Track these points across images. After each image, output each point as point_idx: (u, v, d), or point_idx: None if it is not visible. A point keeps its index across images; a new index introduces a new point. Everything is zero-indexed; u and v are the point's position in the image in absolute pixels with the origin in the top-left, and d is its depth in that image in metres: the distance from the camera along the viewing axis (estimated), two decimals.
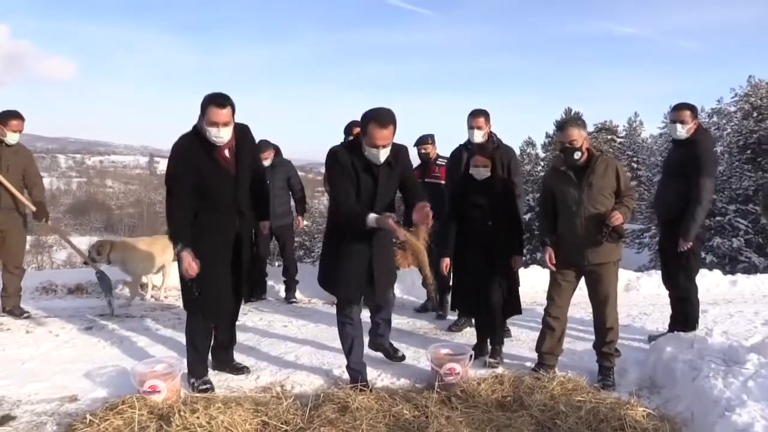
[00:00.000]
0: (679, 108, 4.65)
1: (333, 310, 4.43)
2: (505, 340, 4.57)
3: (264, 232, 3.86)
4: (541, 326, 4.17)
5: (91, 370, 4.09)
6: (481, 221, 4.29)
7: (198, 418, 3.00)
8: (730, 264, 20.84)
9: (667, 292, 4.94)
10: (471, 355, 4.00)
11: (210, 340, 3.96)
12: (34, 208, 5.39)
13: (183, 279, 3.72)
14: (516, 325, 5.21)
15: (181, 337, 4.23)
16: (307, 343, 4.81)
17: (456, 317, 5.36)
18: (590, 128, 31.57)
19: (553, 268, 4.03)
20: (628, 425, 3.20)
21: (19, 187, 5.32)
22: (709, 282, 7.28)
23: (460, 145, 5.21)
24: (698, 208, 4.45)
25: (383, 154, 3.54)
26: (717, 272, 7.79)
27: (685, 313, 4.77)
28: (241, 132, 3.77)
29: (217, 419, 3.03)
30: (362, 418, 3.24)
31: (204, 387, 3.76)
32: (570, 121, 4.03)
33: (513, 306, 4.45)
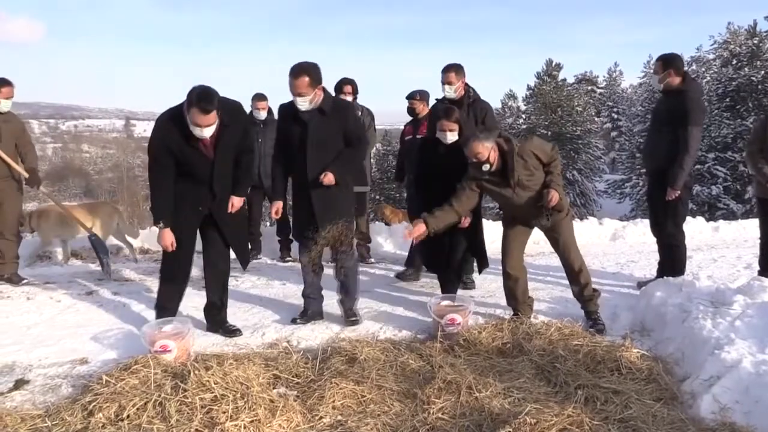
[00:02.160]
0: (657, 59, 4.81)
1: (329, 267, 4.54)
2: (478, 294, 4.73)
3: (232, 209, 3.96)
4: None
5: (97, 333, 4.17)
6: (446, 182, 4.21)
7: (213, 374, 3.08)
8: (709, 211, 21.28)
9: (654, 239, 5.10)
10: (471, 306, 4.14)
11: (177, 302, 4.18)
12: (27, 175, 5.38)
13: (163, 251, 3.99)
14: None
15: (184, 298, 4.30)
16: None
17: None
18: (570, 80, 31.66)
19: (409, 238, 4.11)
20: (623, 366, 3.36)
21: (12, 154, 5.30)
22: (692, 229, 7.49)
23: (437, 100, 5.23)
24: (686, 156, 4.55)
25: (301, 103, 3.90)
26: (700, 219, 8.00)
27: (673, 259, 4.92)
28: (230, 114, 3.80)
29: (231, 375, 3.11)
30: (370, 368, 3.35)
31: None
32: (472, 137, 3.90)
33: (481, 259, 4.64)
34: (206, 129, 3.61)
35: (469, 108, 4.98)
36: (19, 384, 3.43)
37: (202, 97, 3.52)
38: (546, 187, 3.92)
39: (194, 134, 3.64)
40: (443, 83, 4.99)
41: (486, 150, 3.83)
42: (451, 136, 4.28)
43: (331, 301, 4.50)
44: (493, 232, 6.81)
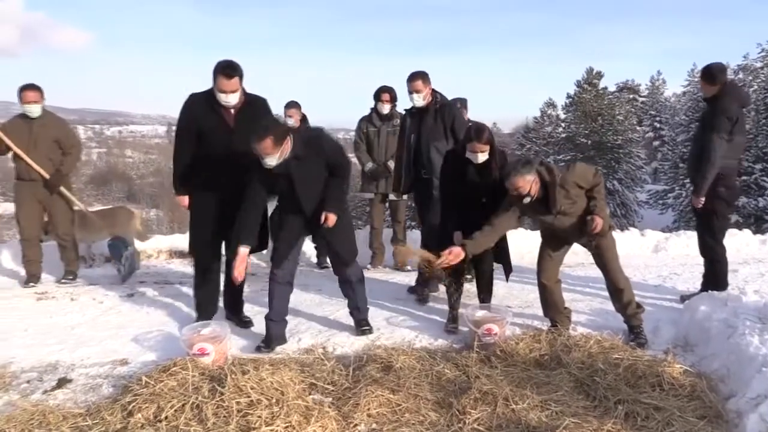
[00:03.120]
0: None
1: (366, 273, 4.54)
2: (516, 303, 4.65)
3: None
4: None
5: (137, 335, 4.24)
6: (477, 199, 4.26)
7: (249, 379, 3.11)
8: (755, 224, 20.66)
9: (697, 251, 4.99)
10: (509, 316, 4.10)
11: (213, 286, 4.38)
12: (47, 176, 5.41)
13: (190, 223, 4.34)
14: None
15: (220, 302, 4.37)
16: (342, 306, 4.89)
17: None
18: (611, 88, 31.22)
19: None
20: (665, 381, 3.27)
21: (48, 158, 5.42)
22: (739, 241, 7.27)
23: (405, 111, 5.19)
24: (707, 165, 4.52)
25: (270, 161, 3.74)
26: (747, 232, 7.76)
27: (714, 273, 4.82)
28: (255, 102, 4.17)
29: (267, 380, 3.13)
30: (406, 377, 3.34)
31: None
32: (512, 171, 3.79)
33: (506, 266, 4.59)
34: (231, 95, 3.96)
35: (436, 113, 4.93)
36: (62, 383, 3.52)
37: (226, 65, 3.94)
38: (589, 213, 3.86)
39: (221, 102, 3.98)
40: (410, 92, 4.91)
41: (527, 184, 3.74)
42: (482, 157, 4.19)
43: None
44: (525, 240, 6.78)
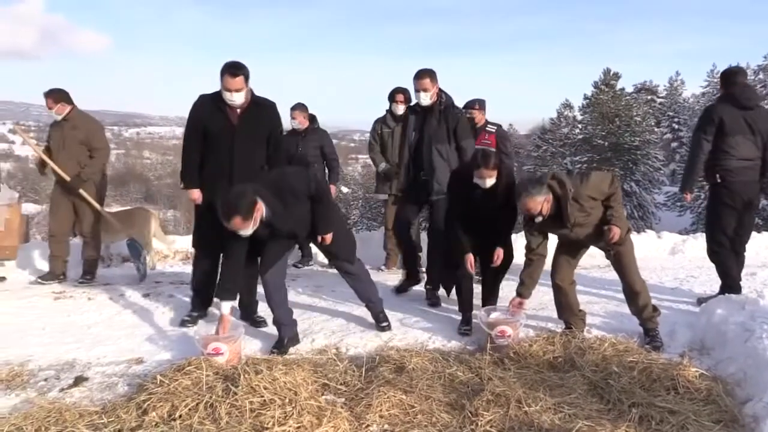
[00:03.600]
0: None
1: (378, 275, 4.54)
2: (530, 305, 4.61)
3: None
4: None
5: (153, 334, 4.28)
6: (480, 219, 4.32)
7: (262, 379, 3.12)
8: None
9: None
10: (523, 318, 4.09)
11: (211, 280, 4.49)
12: (67, 179, 5.53)
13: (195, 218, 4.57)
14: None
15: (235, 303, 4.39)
16: (356, 306, 4.91)
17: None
18: (629, 89, 30.97)
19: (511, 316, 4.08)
20: (680, 385, 3.24)
21: (75, 159, 5.54)
22: (758, 244, 7.17)
23: (409, 108, 5.17)
24: (686, 162, 4.82)
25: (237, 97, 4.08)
26: (766, 234, 7.66)
27: (719, 274, 4.91)
28: (262, 105, 4.34)
29: (280, 380, 3.14)
30: (418, 378, 3.34)
31: (186, 318, 4.50)
32: (522, 193, 3.77)
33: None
34: (236, 94, 4.12)
35: (440, 115, 4.90)
36: (79, 381, 3.55)
37: (231, 64, 4.13)
38: (606, 223, 3.84)
39: (227, 100, 4.14)
40: (417, 90, 4.87)
41: (538, 205, 3.72)
42: (490, 182, 4.23)
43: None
44: (549, 243, 6.74)
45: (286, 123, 5.65)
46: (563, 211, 3.78)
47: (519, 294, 4.06)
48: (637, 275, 4.06)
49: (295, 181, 3.87)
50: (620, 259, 4.03)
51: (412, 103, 5.10)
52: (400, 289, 5.40)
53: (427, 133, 4.93)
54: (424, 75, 4.85)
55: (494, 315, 4.09)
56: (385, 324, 4.30)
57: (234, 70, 4.10)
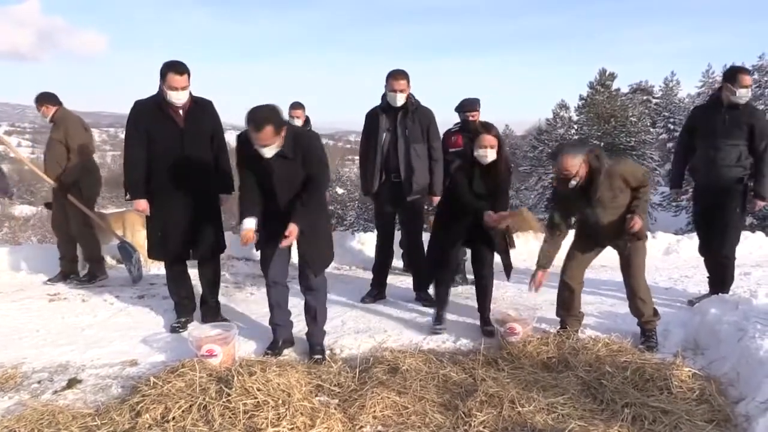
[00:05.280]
0: (748, 72, 4.76)
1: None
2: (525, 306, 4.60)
3: (222, 205, 4.22)
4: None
5: (147, 336, 4.27)
6: (479, 209, 4.12)
7: (256, 380, 3.12)
8: None
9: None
10: (534, 318, 4.14)
11: (183, 284, 4.50)
12: (52, 183, 5.57)
13: (147, 229, 4.41)
14: (556, 287, 5.29)
15: (231, 304, 4.39)
16: (350, 308, 4.93)
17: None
18: (625, 89, 31.01)
19: (535, 292, 4.13)
20: (674, 385, 3.25)
21: (56, 161, 5.54)
22: (752, 244, 7.20)
23: (377, 107, 4.97)
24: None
25: (268, 152, 3.49)
26: (760, 234, 7.68)
27: (726, 282, 4.94)
28: (202, 103, 4.28)
29: (273, 382, 3.14)
30: (412, 379, 3.35)
31: (175, 324, 4.40)
32: (562, 149, 3.83)
33: (508, 266, 4.44)
34: (181, 92, 4.06)
35: (413, 115, 4.86)
36: (72, 383, 3.55)
37: (175, 62, 4.05)
38: (630, 212, 3.82)
39: (171, 100, 4.06)
40: (394, 90, 4.76)
41: (575, 165, 3.69)
42: (492, 154, 4.10)
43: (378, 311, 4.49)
44: (535, 244, 6.75)
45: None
46: (593, 183, 3.74)
47: (541, 266, 4.04)
48: (643, 280, 4.03)
49: (315, 148, 3.67)
50: (630, 261, 4.00)
51: (380, 103, 4.96)
52: (366, 300, 5.17)
53: (404, 133, 4.86)
54: (403, 76, 4.77)
55: (507, 312, 4.12)
56: (318, 357, 3.84)
57: (179, 67, 4.03)
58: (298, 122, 6.44)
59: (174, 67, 4.03)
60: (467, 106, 5.39)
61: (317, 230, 3.78)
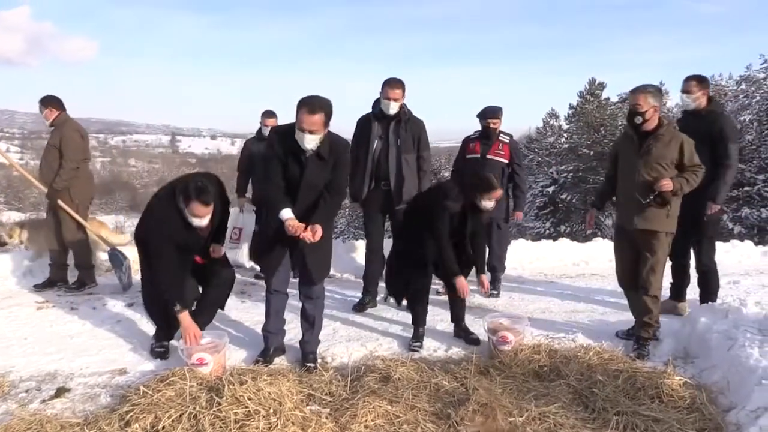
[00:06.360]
0: (692, 79, 4.62)
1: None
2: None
3: (215, 255, 4.17)
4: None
5: (136, 345, 4.23)
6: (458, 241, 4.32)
7: (247, 389, 3.10)
8: (758, 234, 20.56)
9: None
10: (526, 326, 4.12)
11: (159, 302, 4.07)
12: (44, 189, 5.57)
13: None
14: (547, 295, 5.30)
15: (221, 312, 4.35)
16: (341, 316, 4.91)
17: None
18: (614, 99, 31.25)
19: (589, 230, 4.20)
20: (665, 393, 3.27)
21: (49, 166, 5.54)
22: (740, 253, 7.26)
23: (369, 113, 4.96)
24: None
25: (309, 141, 3.52)
26: (748, 243, 7.74)
27: (713, 291, 4.88)
28: (216, 195, 3.93)
29: (264, 391, 3.12)
30: (404, 388, 3.33)
31: (159, 349, 4.06)
32: (642, 87, 3.92)
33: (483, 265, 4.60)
34: (205, 219, 3.82)
35: (406, 125, 4.88)
36: (61, 392, 3.51)
37: (201, 191, 3.71)
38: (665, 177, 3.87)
39: (193, 224, 3.82)
40: (389, 99, 4.77)
41: (646, 105, 3.85)
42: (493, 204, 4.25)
43: (364, 319, 4.48)
44: (527, 251, 6.80)
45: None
46: (655, 132, 3.89)
47: (593, 206, 4.54)
48: (660, 276, 4.03)
49: (346, 158, 3.80)
50: (651, 255, 3.97)
51: (372, 110, 4.95)
52: (357, 308, 5.14)
53: (396, 142, 4.87)
54: (399, 85, 4.79)
55: (499, 321, 4.10)
56: (311, 365, 3.81)
57: (204, 198, 3.72)
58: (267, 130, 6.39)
59: (200, 198, 3.71)
60: (489, 114, 5.37)
61: (324, 238, 3.72)
